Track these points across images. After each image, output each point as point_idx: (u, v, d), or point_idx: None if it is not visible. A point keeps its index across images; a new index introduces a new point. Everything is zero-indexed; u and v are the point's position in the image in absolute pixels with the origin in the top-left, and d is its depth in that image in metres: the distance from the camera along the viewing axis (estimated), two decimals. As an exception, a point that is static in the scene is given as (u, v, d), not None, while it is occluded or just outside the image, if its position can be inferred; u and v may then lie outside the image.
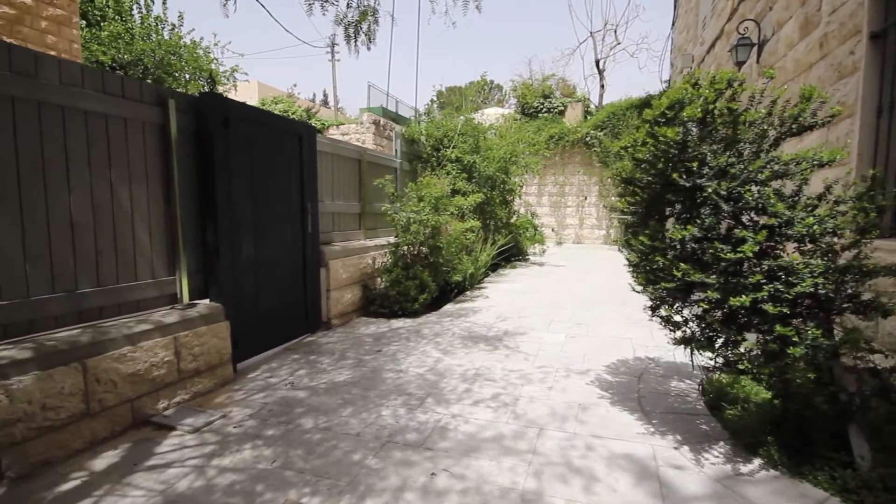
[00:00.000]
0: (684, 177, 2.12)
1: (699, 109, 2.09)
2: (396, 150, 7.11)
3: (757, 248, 1.89)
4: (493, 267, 8.34)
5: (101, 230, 2.77)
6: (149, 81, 5.89)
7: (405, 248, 5.90)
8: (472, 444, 2.51)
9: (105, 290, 2.79)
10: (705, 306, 2.05)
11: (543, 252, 9.77)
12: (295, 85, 23.49)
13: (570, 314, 5.40)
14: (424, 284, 5.50)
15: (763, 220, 2.10)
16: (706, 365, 2.81)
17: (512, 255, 9.33)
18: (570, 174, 14.31)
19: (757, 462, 2.28)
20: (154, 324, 2.87)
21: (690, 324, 2.49)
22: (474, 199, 6.35)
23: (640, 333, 4.56)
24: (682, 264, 2.15)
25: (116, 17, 10.44)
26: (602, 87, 17.38)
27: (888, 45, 3.05)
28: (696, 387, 3.25)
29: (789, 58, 4.50)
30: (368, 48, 4.44)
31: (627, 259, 2.71)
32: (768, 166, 1.96)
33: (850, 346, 1.88)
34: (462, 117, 8.42)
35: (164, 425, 2.71)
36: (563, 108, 15.54)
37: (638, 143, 2.35)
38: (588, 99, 16.73)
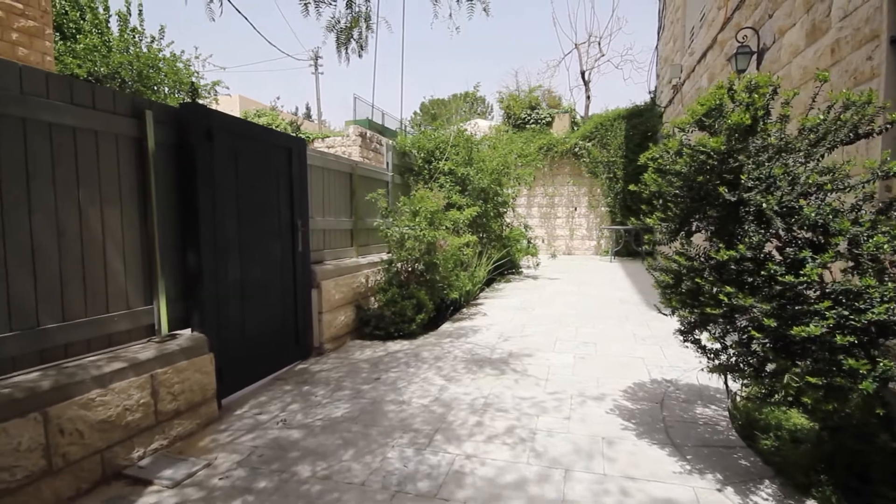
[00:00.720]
0: (728, 190, 1.92)
1: (748, 116, 1.89)
2: (388, 163, 6.86)
3: (821, 271, 1.68)
4: (488, 281, 8.11)
5: (68, 257, 2.45)
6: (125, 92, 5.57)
7: (399, 264, 5.63)
8: (493, 491, 2.24)
9: (71, 325, 2.46)
10: (757, 335, 1.83)
11: (537, 265, 9.58)
12: (278, 98, 23.19)
13: (574, 331, 5.17)
14: (421, 304, 5.22)
15: (808, 235, 1.91)
16: (742, 393, 2.59)
17: (506, 268, 9.12)
18: (559, 185, 14.23)
19: (811, 504, 2.06)
20: (128, 361, 2.54)
21: (729, 350, 2.27)
22: (470, 212, 6.12)
23: (651, 352, 4.35)
24: (727, 287, 1.93)
25: (93, 30, 10.06)
26: (588, 98, 17.48)
27: (911, 49, 2.94)
28: (724, 413, 3.03)
29: (795, 65, 4.41)
30: (360, 55, 4.19)
31: (658, 281, 2.48)
32: (829, 177, 1.77)
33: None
34: (454, 128, 8.23)
35: (139, 479, 2.38)
36: (550, 119, 15.53)
37: (671, 153, 2.14)
38: (574, 110, 16.78)
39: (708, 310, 1.96)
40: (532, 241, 9.10)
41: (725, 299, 1.89)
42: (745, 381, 2.50)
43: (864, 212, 1.73)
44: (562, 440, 2.74)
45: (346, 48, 4.09)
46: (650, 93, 14.91)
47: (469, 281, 6.15)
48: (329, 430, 2.92)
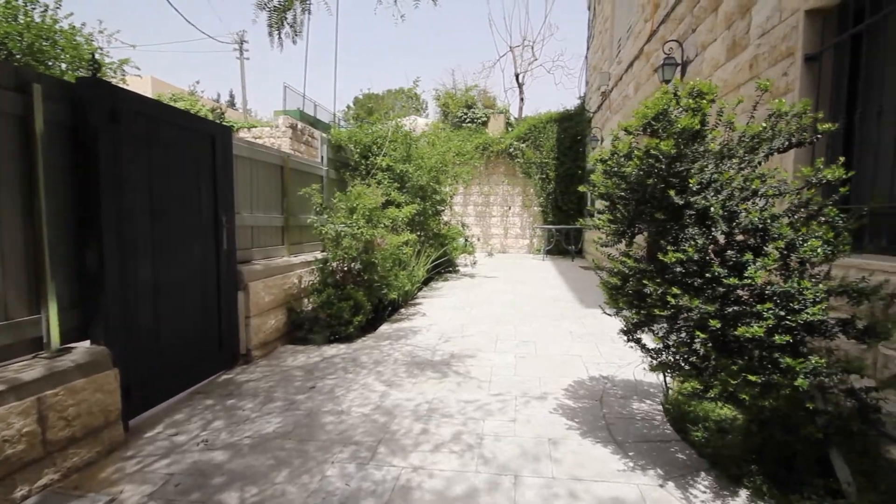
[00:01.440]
0: (676, 193, 1.95)
1: (696, 121, 1.93)
2: (322, 157, 6.51)
3: (767, 274, 1.74)
4: (426, 280, 8.00)
5: (-79, 258, 1.99)
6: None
7: (335, 264, 5.35)
8: (442, 505, 2.12)
9: (-74, 341, 1.99)
10: (701, 335, 1.87)
11: (474, 263, 9.64)
12: (198, 82, 21.20)
13: (514, 330, 5.21)
14: (359, 305, 4.99)
15: (746, 239, 1.99)
16: (675, 389, 2.68)
17: (443, 267, 9.07)
18: (494, 184, 14.47)
19: (744, 494, 2.16)
20: (6, 383, 2.11)
21: (671, 349, 2.33)
22: (409, 210, 5.97)
23: (587, 349, 4.47)
24: (673, 289, 1.96)
25: (-30, -6, 8.58)
26: (522, 100, 17.97)
27: (822, 67, 3.22)
28: (659, 408, 3.15)
29: (716, 77, 4.72)
30: (294, 41, 3.89)
31: (605, 282, 2.49)
32: (769, 183, 1.84)
33: (849, 371, 1.80)
34: (392, 123, 8.01)
35: (21, 524, 1.98)
36: (486, 119, 15.74)
37: (619, 156, 2.15)
38: (509, 111, 17.15)
39: (656, 311, 1.98)
40: (469, 239, 9.12)
41: (672, 300, 1.92)
42: (681, 378, 2.59)
43: (797, 217, 1.83)
44: (509, 444, 2.69)
45: (280, 31, 3.77)
46: (579, 98, 15.59)
47: (408, 280, 6.00)
48: (259, 448, 2.65)
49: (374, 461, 2.50)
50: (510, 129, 15.87)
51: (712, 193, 1.87)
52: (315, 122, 18.50)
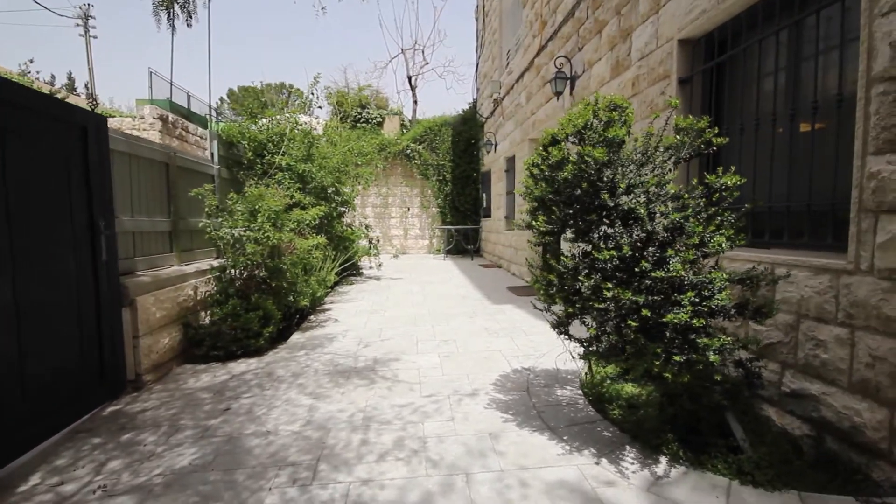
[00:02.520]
0: (607, 196, 2.15)
1: (624, 130, 2.15)
2: (213, 154, 5.89)
3: (687, 267, 2.01)
4: (332, 285, 7.69)
5: None
6: None
7: (234, 271, 4.88)
8: (401, 515, 2.07)
9: None
10: (633, 323, 2.09)
11: (380, 266, 9.52)
12: (31, 61, 17.22)
13: (432, 330, 5.26)
14: (269, 315, 4.62)
15: (664, 235, 2.28)
16: (589, 375, 2.95)
17: (347, 270, 8.80)
18: (392, 185, 14.43)
19: (664, 460, 2.46)
20: None
21: (602, 338, 2.56)
22: (316, 212, 5.68)
23: (505, 344, 4.70)
24: (607, 283, 2.16)
25: None
26: (415, 102, 18.16)
27: (693, 89, 3.79)
28: (579, 392, 3.43)
29: (602, 92, 5.26)
30: (189, 24, 3.46)
31: (539, 279, 2.63)
32: (685, 187, 2.12)
33: (745, 346, 2.16)
34: (284, 118, 7.53)
35: None
36: (381, 119, 15.63)
37: (551, 162, 2.30)
38: (403, 113, 17.23)
39: (595, 304, 2.17)
40: (373, 241, 8.98)
41: (608, 294, 2.12)
42: (604, 363, 2.86)
43: (700, 217, 2.14)
44: (453, 443, 2.72)
45: (170, 11, 3.31)
46: (470, 104, 16.25)
47: (319, 286, 5.71)
48: (177, 486, 2.31)
49: (318, 480, 2.35)
50: (405, 130, 15.96)
51: (639, 196, 2.12)
52: (189, 115, 16.60)
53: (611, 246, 2.25)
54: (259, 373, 3.96)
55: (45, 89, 15.86)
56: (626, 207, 2.13)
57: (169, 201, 4.71)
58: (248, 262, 4.78)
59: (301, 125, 7.46)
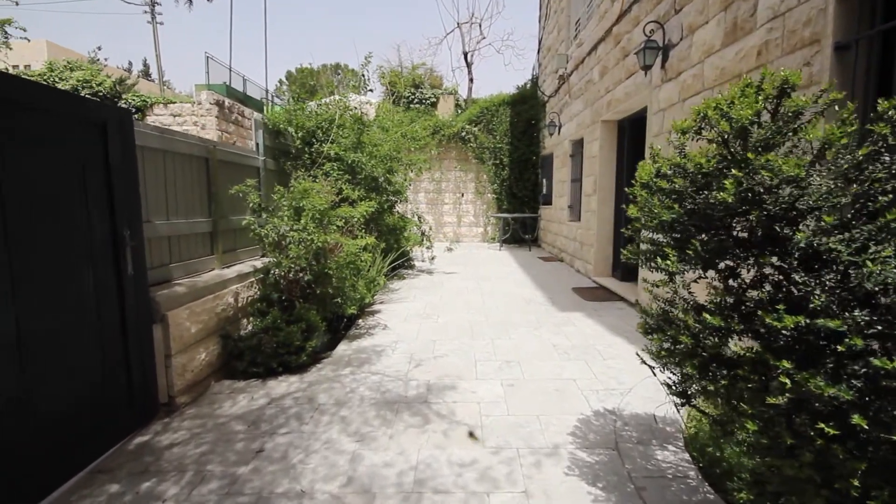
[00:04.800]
0: (791, 229, 1.39)
1: (835, 129, 1.36)
2: (258, 144, 5.49)
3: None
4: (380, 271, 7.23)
5: None
6: None
7: (277, 271, 4.47)
8: None
9: None
10: (829, 430, 1.35)
11: (432, 259, 8.97)
12: (99, 48, 17.89)
13: (491, 345, 4.64)
14: (313, 327, 4.18)
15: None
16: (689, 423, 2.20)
17: (397, 263, 8.33)
18: (446, 170, 13.78)
19: None
20: None
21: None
22: (366, 208, 5.15)
23: (579, 370, 3.99)
24: (784, 362, 1.41)
25: None
26: (471, 80, 17.22)
27: (858, 57, 2.81)
28: (685, 455, 2.69)
29: (709, 64, 4.29)
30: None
31: (663, 339, 1.89)
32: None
33: None
34: (334, 101, 7.03)
35: None
36: (435, 99, 14.90)
37: (692, 172, 1.55)
38: (458, 92, 16.40)
39: (750, 387, 1.43)
40: (427, 233, 8.42)
41: (785, 381, 1.37)
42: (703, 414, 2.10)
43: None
44: (529, 535, 2.10)
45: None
46: (531, 80, 15.13)
47: (368, 290, 5.23)
48: (188, 579, 1.86)
49: (358, 589, 1.81)
50: (460, 111, 15.16)
51: (853, 234, 1.33)
52: (245, 100, 16.69)
53: (775, 296, 1.49)
54: (300, 397, 3.52)
55: (117, 76, 16.49)
56: (822, 248, 1.36)
57: (209, 199, 4.33)
58: (292, 265, 4.35)
59: (352, 109, 6.94)
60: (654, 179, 1.79)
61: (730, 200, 1.42)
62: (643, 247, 1.94)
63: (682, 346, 1.71)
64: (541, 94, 12.60)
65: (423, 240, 8.49)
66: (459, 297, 6.75)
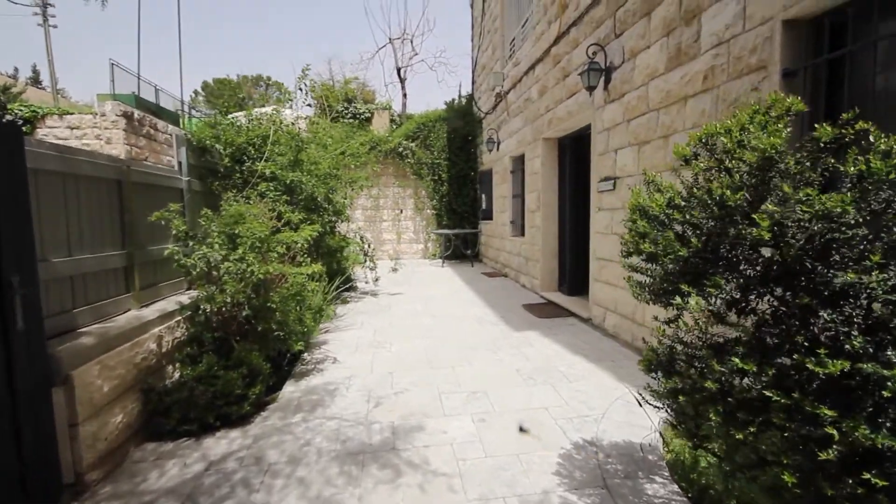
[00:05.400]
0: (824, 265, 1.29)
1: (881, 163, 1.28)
2: (181, 163, 4.86)
3: None
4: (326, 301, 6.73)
5: None
6: None
7: (208, 307, 3.92)
8: None
9: None
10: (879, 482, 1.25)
11: (376, 280, 8.57)
12: None
13: (454, 375, 4.38)
14: (256, 370, 3.68)
15: None
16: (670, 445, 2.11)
17: (340, 286, 7.84)
18: (384, 186, 13.44)
19: None
20: None
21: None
22: (309, 232, 4.71)
23: (548, 397, 3.85)
24: (824, 410, 1.31)
25: None
26: (405, 95, 17.09)
27: (806, 83, 2.95)
28: (675, 487, 2.60)
29: (653, 87, 4.43)
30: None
31: (680, 400, 1.73)
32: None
33: None
34: (264, 113, 6.51)
35: None
36: (369, 114, 14.56)
37: (711, 206, 1.43)
38: (392, 107, 16.18)
39: (824, 454, 1.31)
40: (369, 253, 8.02)
41: (835, 434, 1.26)
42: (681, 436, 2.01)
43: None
44: None
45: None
46: (463, 97, 15.28)
47: (314, 322, 4.76)
48: None
49: None
50: (395, 126, 14.94)
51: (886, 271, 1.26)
52: (158, 111, 15.22)
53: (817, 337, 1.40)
54: (245, 457, 3.03)
55: (1, 82, 14.36)
56: (860, 286, 1.28)
57: (123, 228, 3.70)
58: (227, 299, 3.82)
59: (286, 125, 6.45)
60: (667, 211, 1.66)
61: (766, 237, 1.31)
62: (636, 278, 1.80)
63: (704, 391, 1.58)
64: (477, 110, 12.74)
65: (365, 260, 8.08)
66: (410, 321, 6.44)
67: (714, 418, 1.57)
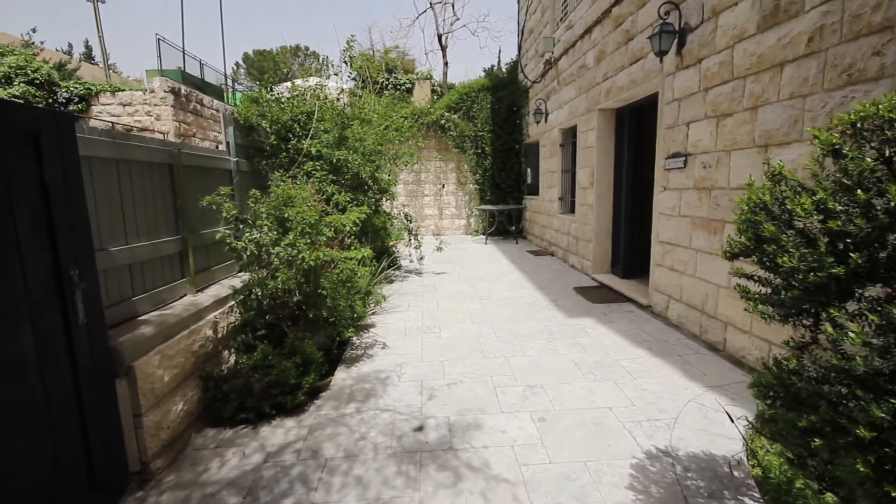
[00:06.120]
0: None
1: None
2: (229, 143, 4.78)
3: None
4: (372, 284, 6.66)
5: None
6: None
7: (259, 291, 3.88)
8: None
9: None
10: None
11: (421, 259, 8.43)
12: (34, 30, 15.98)
13: (507, 365, 4.20)
14: (309, 359, 3.63)
15: None
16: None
17: (386, 266, 7.76)
18: (425, 160, 13.15)
19: None
20: None
21: None
22: (357, 215, 4.56)
23: (611, 395, 3.60)
24: None
25: None
26: (446, 64, 16.49)
27: (956, 47, 2.44)
28: (768, 512, 2.34)
29: (740, 51, 3.90)
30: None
31: (802, 416, 1.47)
32: None
33: None
34: (308, 85, 6.30)
35: None
36: (410, 85, 14.17)
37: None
38: (433, 77, 15.68)
39: None
40: (414, 232, 7.85)
41: None
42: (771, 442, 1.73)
43: None
44: None
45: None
46: (507, 64, 14.57)
47: (363, 306, 4.67)
48: None
49: None
50: (436, 97, 14.49)
51: None
52: (203, 86, 15.39)
53: None
54: (301, 449, 2.99)
55: (56, 59, 14.88)
56: None
57: (176, 213, 3.66)
58: (276, 287, 3.76)
59: (332, 101, 6.25)
60: (815, 216, 1.34)
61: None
62: (740, 283, 1.49)
63: (849, 434, 1.30)
64: (523, 78, 12.10)
65: (410, 239, 7.93)
66: (457, 304, 6.28)
67: (862, 469, 1.30)
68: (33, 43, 14.59)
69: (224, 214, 3.87)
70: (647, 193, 6.46)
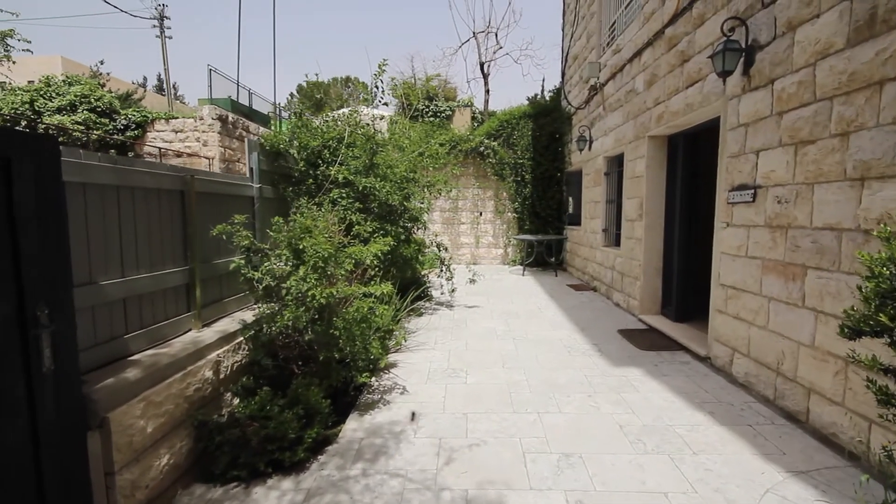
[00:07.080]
0: None
1: None
2: (252, 169, 4.61)
3: None
4: (395, 319, 6.27)
5: None
6: None
7: (273, 329, 3.57)
8: None
9: None
10: None
11: (452, 291, 7.99)
12: (102, 62, 17.20)
13: (539, 424, 3.65)
14: (313, 410, 3.24)
15: None
16: None
17: (413, 299, 7.37)
18: (463, 187, 12.87)
19: None
20: None
21: None
22: (380, 247, 4.22)
23: (665, 473, 2.98)
24: None
25: None
26: (487, 91, 16.37)
27: None
28: None
29: (824, 69, 3.32)
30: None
31: None
32: None
33: None
34: (350, 116, 6.14)
35: None
36: (450, 112, 14.08)
37: None
38: (473, 104, 15.57)
39: None
40: (447, 262, 7.46)
41: None
42: None
43: None
44: None
45: None
46: (551, 91, 14.26)
47: (381, 349, 4.26)
48: None
49: None
50: (476, 124, 14.31)
51: None
52: (251, 114, 15.98)
53: None
54: (293, 523, 2.56)
55: (123, 90, 15.91)
56: None
57: (185, 242, 3.44)
58: (285, 325, 3.43)
59: (364, 126, 6.06)
60: None
61: None
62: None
63: None
64: (567, 104, 11.68)
65: (442, 269, 7.54)
66: (488, 343, 5.77)
67: None
68: (100, 73, 15.69)
69: (236, 243, 3.63)
70: (704, 228, 5.80)
